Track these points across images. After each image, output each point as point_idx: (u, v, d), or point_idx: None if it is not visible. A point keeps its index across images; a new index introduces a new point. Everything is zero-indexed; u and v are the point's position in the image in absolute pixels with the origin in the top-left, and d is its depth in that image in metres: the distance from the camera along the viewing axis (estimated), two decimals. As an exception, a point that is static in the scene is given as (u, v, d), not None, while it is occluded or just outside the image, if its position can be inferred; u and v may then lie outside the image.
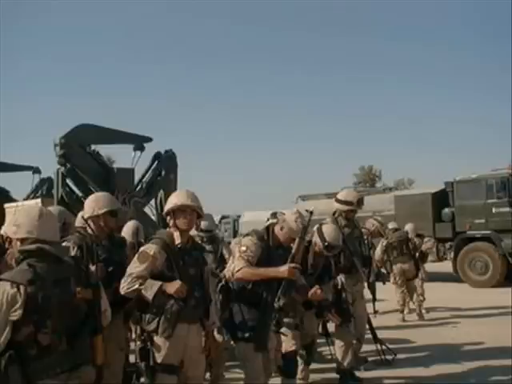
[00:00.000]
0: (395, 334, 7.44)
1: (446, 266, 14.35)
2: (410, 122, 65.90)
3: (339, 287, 5.05)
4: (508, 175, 13.25)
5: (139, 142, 11.11)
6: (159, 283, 3.12)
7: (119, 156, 29.34)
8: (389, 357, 5.91)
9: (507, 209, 13.03)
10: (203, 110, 66.58)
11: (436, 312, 9.32)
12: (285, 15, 61.87)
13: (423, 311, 8.98)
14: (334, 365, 5.34)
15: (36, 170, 14.53)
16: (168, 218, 3.38)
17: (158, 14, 61.48)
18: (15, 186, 25.04)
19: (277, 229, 3.94)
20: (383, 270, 8.97)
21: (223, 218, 25.15)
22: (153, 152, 11.38)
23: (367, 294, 6.01)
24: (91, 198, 3.80)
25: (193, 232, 4.11)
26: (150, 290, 3.11)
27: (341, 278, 5.13)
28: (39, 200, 10.83)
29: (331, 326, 5.17)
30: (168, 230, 3.40)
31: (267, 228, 3.99)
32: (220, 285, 3.91)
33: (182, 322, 3.18)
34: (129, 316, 3.50)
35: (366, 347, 5.93)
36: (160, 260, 3.21)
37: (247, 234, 3.97)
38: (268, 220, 5.49)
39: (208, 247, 5.11)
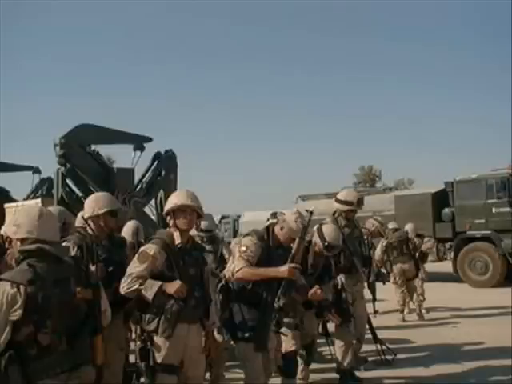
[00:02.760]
0: (395, 333, 7.44)
1: (446, 266, 14.35)
2: (409, 122, 66.02)
3: (339, 287, 5.05)
4: (508, 175, 13.25)
5: (139, 141, 11.12)
6: (159, 283, 3.12)
7: (119, 156, 29.38)
8: (389, 357, 5.91)
9: (507, 209, 13.03)
10: (203, 109, 66.71)
11: (436, 312, 9.32)
12: (285, 15, 61.98)
13: (423, 311, 8.98)
14: (334, 365, 5.34)
15: (36, 170, 14.52)
16: (168, 218, 3.38)
17: (158, 13, 61.62)
18: (15, 186, 25.10)
19: (277, 229, 3.94)
20: (383, 270, 8.96)
21: (223, 217, 25.14)
22: (153, 152, 11.40)
23: (367, 294, 6.01)
24: (91, 198, 3.80)
25: (193, 232, 4.10)
26: (150, 290, 3.11)
27: (341, 278, 5.12)
28: (39, 200, 10.83)
29: (331, 326, 5.16)
30: (168, 229, 3.40)
31: (267, 228, 3.99)
32: (220, 285, 3.91)
33: (182, 322, 3.18)
34: (129, 316, 3.50)
35: (365, 347, 5.93)
36: (160, 260, 3.21)
37: (247, 234, 3.96)
38: (268, 220, 5.49)
39: (208, 247, 5.11)
